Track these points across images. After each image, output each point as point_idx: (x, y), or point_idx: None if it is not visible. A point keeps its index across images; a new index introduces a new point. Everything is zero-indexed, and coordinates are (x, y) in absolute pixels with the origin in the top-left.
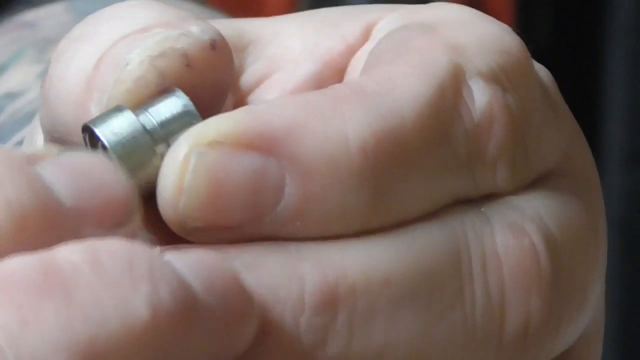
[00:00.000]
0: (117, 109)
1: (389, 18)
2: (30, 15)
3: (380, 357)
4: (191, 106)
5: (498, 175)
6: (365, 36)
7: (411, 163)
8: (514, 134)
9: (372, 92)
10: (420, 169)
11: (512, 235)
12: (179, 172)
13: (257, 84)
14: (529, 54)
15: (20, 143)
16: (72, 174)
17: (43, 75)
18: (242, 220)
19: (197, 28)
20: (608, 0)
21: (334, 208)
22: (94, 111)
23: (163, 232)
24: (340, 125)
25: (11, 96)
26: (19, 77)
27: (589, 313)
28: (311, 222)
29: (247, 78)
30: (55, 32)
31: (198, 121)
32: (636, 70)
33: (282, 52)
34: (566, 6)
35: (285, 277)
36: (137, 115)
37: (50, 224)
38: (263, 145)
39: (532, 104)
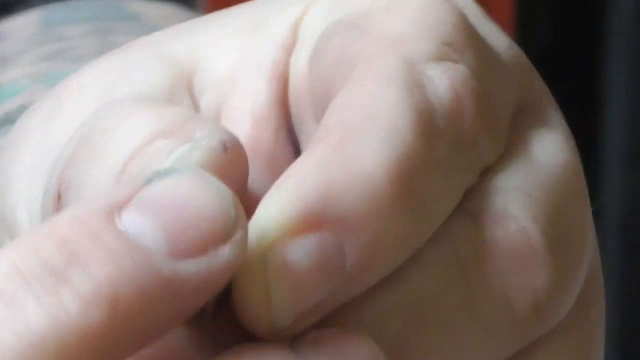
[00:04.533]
0: None
1: (312, 11)
2: (6, 25)
3: None
4: None
5: (481, 149)
6: (295, 35)
7: (427, 167)
8: (480, 105)
9: (356, 121)
10: (437, 169)
11: (498, 226)
12: (262, 282)
13: (217, 115)
14: (459, 9)
15: None
16: (162, 212)
17: None
18: (323, 299)
19: (203, 133)
20: (608, 0)
21: (392, 242)
22: None
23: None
24: (358, 166)
25: None
26: None
27: (589, 257)
28: (378, 266)
29: (204, 112)
30: (16, 48)
31: None
32: (636, 70)
33: (225, 75)
34: (566, 6)
35: None
36: None
37: (163, 292)
38: (312, 223)
39: (483, 62)
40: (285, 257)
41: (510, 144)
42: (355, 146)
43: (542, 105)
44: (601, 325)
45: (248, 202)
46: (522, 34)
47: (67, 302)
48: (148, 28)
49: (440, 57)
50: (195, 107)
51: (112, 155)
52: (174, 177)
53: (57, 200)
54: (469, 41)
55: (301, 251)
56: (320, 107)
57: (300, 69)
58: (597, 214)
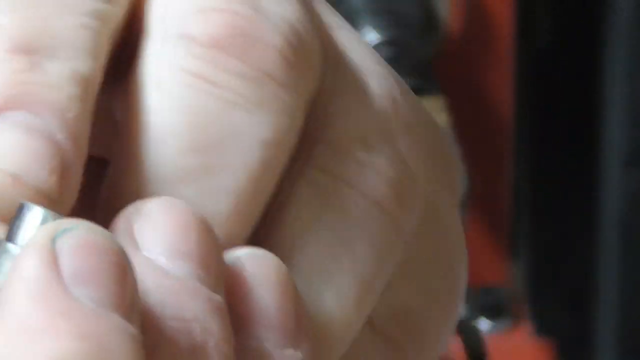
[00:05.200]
0: None
1: None
2: None
3: None
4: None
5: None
6: None
7: None
8: None
9: None
10: None
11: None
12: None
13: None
14: None
15: None
16: (100, 277)
17: None
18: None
19: None
20: (608, 1)
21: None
22: None
23: None
24: (43, 76)
25: None
26: None
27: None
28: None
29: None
30: None
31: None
32: (636, 70)
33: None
34: (566, 6)
35: None
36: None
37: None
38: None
39: None
40: None
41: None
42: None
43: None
44: (450, 190)
45: None
46: (522, 34)
47: None
48: None
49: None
50: None
51: None
52: (79, 231)
53: None
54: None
55: (15, 125)
56: None
57: None
58: (597, 214)
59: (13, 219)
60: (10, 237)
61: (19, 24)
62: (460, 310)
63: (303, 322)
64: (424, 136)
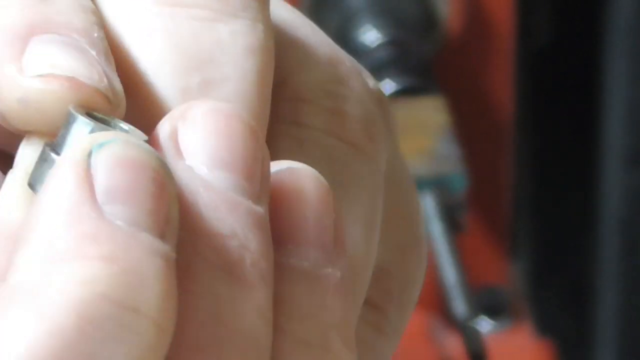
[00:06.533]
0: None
1: None
2: None
3: None
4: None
5: None
6: None
7: None
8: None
9: None
10: None
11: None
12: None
13: None
14: None
15: None
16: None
17: None
18: None
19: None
20: (608, 0)
21: None
22: None
23: None
24: None
25: None
26: None
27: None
28: None
29: None
30: None
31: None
32: (636, 70)
33: None
34: (566, 6)
35: None
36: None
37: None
38: None
39: None
40: None
41: None
42: None
43: None
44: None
45: None
46: (522, 34)
47: None
48: None
49: None
50: None
51: None
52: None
53: None
54: None
55: None
56: None
57: None
58: (598, 214)
59: (61, 128)
60: (55, 146)
61: None
62: (462, 307)
63: (342, 240)
64: (364, 75)
